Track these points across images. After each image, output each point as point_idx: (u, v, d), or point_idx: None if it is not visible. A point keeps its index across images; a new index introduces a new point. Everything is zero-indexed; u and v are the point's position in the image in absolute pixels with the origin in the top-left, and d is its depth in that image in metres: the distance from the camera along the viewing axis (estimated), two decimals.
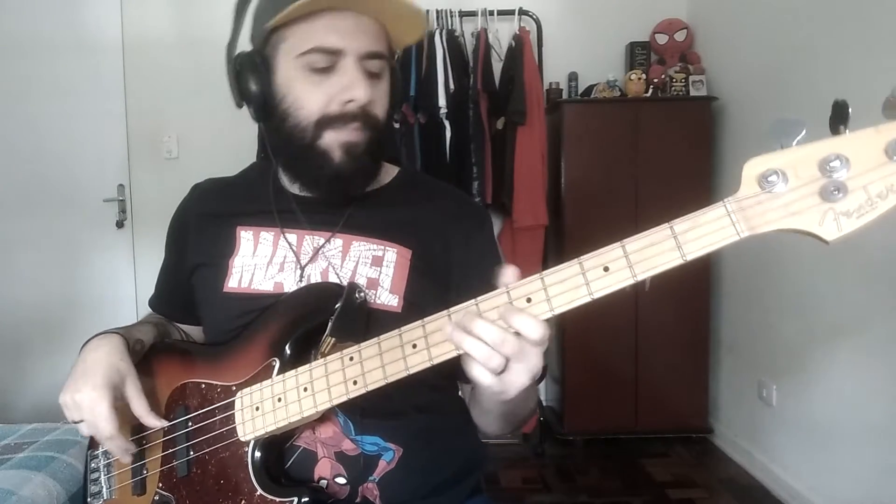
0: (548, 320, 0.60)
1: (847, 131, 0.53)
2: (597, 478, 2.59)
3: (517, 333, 0.60)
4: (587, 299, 0.59)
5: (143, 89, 3.07)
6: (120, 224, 3.09)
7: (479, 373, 0.61)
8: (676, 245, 0.56)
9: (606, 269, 0.58)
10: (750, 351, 2.65)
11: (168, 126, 3.11)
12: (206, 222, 0.93)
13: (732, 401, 2.80)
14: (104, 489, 0.88)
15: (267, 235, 0.88)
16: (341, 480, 0.80)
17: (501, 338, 0.59)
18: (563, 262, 0.60)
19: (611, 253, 0.59)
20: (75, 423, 0.81)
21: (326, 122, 0.80)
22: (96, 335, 0.85)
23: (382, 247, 0.85)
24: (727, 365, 2.84)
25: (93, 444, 0.92)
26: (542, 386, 3.18)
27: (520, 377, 0.62)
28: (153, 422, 0.81)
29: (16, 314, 3.04)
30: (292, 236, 0.87)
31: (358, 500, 0.81)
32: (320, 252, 0.86)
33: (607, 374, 2.84)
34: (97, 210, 3.08)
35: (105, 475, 0.88)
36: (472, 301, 0.63)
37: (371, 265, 0.84)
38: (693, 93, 2.83)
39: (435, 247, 0.87)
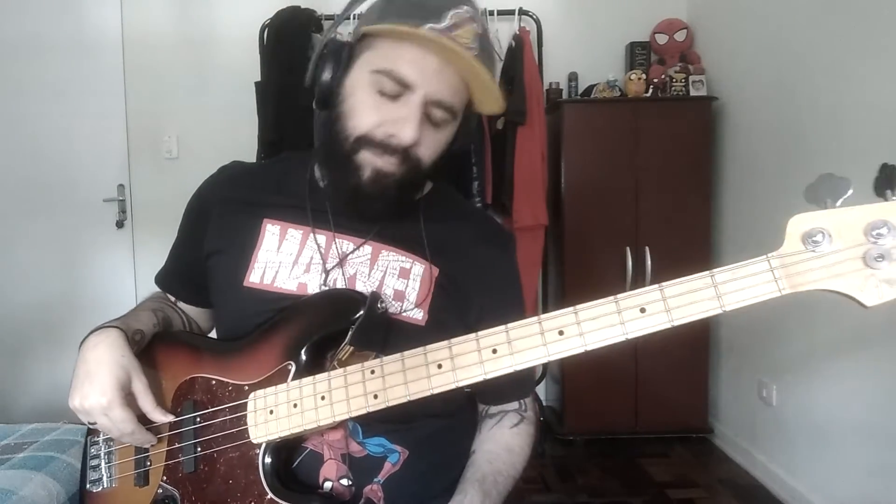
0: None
1: (894, 197, 0.53)
2: (597, 478, 2.59)
3: None
4: (621, 339, 0.59)
5: (143, 89, 3.07)
6: (120, 224, 3.09)
7: None
8: (716, 294, 0.56)
9: (643, 310, 0.58)
10: (750, 351, 2.65)
11: (168, 126, 3.11)
12: (231, 207, 0.91)
13: (732, 401, 2.80)
14: (104, 477, 0.86)
15: (295, 232, 0.87)
16: (346, 482, 0.80)
17: None
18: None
19: (648, 295, 0.59)
20: (91, 424, 0.80)
21: (366, 142, 0.79)
22: (93, 330, 0.83)
23: (410, 260, 0.85)
24: (727, 365, 2.84)
25: (92, 430, 0.89)
26: (541, 386, 3.18)
27: None
28: (159, 417, 0.80)
29: (16, 314, 3.04)
30: (321, 237, 0.86)
31: (362, 501, 0.80)
32: (348, 258, 0.85)
33: (607, 374, 2.83)
34: (97, 210, 3.08)
35: (106, 463, 0.87)
36: (503, 327, 0.64)
37: (398, 277, 0.84)
38: (693, 93, 2.83)
39: (460, 267, 0.87)
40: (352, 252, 0.85)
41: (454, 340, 0.65)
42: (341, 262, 0.84)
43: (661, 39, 3.02)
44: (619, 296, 0.59)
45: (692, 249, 2.74)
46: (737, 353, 2.76)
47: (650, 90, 2.86)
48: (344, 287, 0.83)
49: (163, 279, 1.01)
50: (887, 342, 1.87)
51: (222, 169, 0.98)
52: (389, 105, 0.78)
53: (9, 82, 3.00)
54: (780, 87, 2.38)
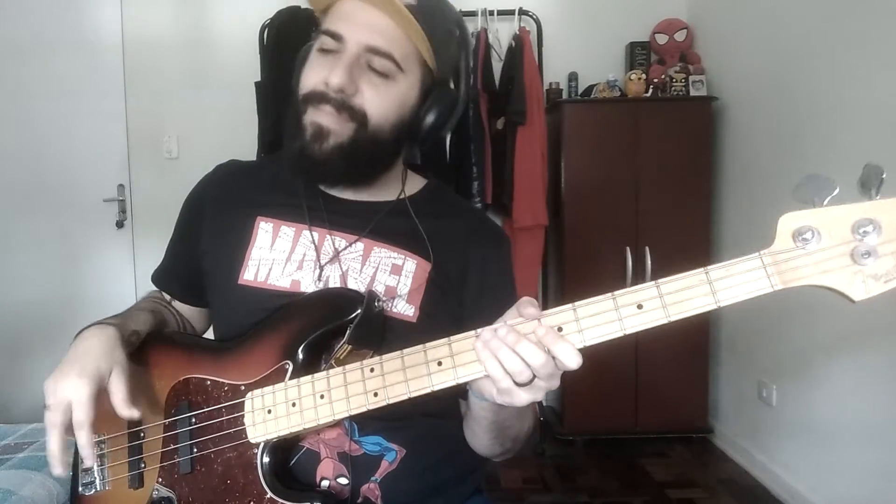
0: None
1: (878, 196, 0.55)
2: (597, 478, 2.59)
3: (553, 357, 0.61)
4: (619, 335, 0.61)
5: (143, 89, 3.07)
6: (120, 224, 3.09)
7: (506, 384, 0.62)
8: (711, 291, 0.59)
9: (640, 306, 0.60)
10: (750, 351, 2.65)
11: (168, 126, 3.11)
12: (225, 206, 0.91)
13: (732, 401, 2.80)
14: (97, 480, 0.85)
15: (288, 230, 0.87)
16: (343, 481, 0.80)
17: (543, 361, 0.60)
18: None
19: (645, 291, 0.60)
20: (44, 407, 0.76)
21: (307, 99, 0.81)
22: (90, 325, 0.82)
23: (403, 256, 0.85)
24: (727, 365, 2.84)
25: None
26: None
27: (537, 394, 0.63)
28: (125, 412, 0.76)
29: (16, 314, 3.04)
30: (315, 234, 0.86)
31: (360, 500, 0.80)
32: (341, 255, 0.85)
33: (607, 374, 2.83)
34: (97, 210, 3.08)
35: (98, 465, 0.86)
36: (503, 325, 0.64)
37: (390, 273, 0.84)
38: (693, 93, 2.83)
39: (453, 263, 0.87)
40: (344, 249, 0.85)
41: (454, 338, 0.66)
42: (333, 258, 0.84)
43: (661, 39, 3.02)
44: (617, 293, 0.61)
45: (692, 249, 2.73)
46: (737, 353, 2.76)
47: (650, 90, 2.86)
48: (340, 286, 0.83)
49: (160, 278, 1.01)
50: (887, 343, 1.87)
51: (218, 167, 0.98)
52: (329, 59, 0.81)
53: (9, 82, 3.01)
54: (780, 87, 2.38)
